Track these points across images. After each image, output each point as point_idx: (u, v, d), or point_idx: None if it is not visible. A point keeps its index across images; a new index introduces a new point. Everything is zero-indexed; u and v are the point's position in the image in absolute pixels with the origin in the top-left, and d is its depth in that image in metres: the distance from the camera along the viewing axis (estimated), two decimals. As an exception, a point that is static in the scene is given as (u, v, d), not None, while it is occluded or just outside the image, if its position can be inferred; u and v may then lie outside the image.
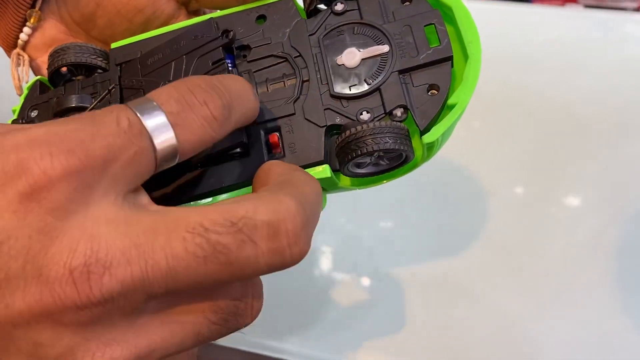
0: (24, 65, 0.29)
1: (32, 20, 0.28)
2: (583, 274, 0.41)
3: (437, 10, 0.25)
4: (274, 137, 0.23)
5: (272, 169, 0.20)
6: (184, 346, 0.17)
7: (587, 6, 1.14)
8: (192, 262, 0.15)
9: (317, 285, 0.42)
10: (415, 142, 0.24)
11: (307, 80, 0.24)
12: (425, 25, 0.24)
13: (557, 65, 0.52)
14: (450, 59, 0.24)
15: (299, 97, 0.24)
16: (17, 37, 0.29)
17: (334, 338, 0.39)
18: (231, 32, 0.24)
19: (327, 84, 0.24)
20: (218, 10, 0.28)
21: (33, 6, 0.28)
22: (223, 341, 0.40)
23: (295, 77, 0.25)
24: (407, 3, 0.25)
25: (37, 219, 0.15)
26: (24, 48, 0.29)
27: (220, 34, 0.24)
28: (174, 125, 0.17)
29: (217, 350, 0.40)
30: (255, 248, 0.16)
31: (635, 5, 1.14)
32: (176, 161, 0.17)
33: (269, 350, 0.39)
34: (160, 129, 0.17)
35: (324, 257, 0.43)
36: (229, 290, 0.17)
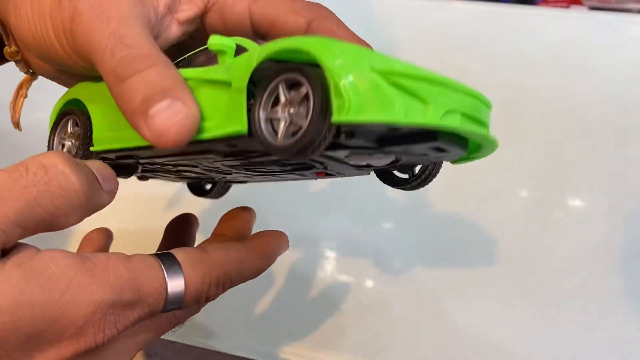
0: (19, 99, 0.30)
1: (11, 57, 0.27)
2: (589, 279, 0.40)
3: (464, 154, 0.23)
4: (322, 174, 0.27)
5: (267, 236, 0.27)
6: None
7: (592, 8, 1.14)
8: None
9: (321, 290, 0.42)
10: None
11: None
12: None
13: (562, 67, 0.51)
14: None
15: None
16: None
17: (339, 342, 0.39)
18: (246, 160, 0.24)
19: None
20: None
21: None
22: (227, 349, 0.40)
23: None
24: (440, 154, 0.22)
25: None
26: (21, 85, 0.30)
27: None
28: (183, 303, 0.23)
29: (221, 358, 0.40)
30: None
31: (639, 7, 1.13)
32: None
33: (269, 358, 0.39)
34: (172, 305, 0.23)
35: (328, 262, 0.43)
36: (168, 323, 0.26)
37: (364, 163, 0.23)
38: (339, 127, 0.18)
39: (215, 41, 0.21)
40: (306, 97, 0.18)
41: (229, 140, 0.21)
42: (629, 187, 0.44)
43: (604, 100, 0.49)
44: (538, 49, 0.53)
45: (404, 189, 0.27)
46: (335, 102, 0.17)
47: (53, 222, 0.21)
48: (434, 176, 0.26)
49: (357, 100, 0.17)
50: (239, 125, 0.20)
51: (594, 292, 0.40)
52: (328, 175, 0.27)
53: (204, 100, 0.21)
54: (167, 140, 0.20)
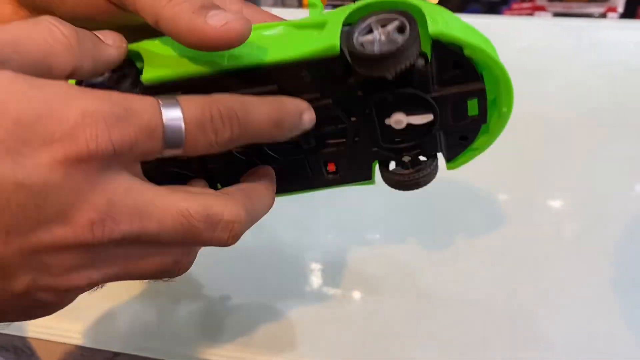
0: None
1: None
2: (568, 277, 0.41)
3: (483, 89, 0.26)
4: (332, 165, 0.29)
5: (255, 174, 0.28)
6: (131, 278, 0.23)
7: (556, 14, 1.17)
8: (172, 231, 0.22)
9: (307, 302, 0.42)
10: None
11: (358, 131, 0.28)
12: (470, 99, 0.26)
13: (530, 73, 0.53)
14: (483, 123, 0.28)
15: (351, 144, 0.28)
16: None
17: (326, 352, 0.39)
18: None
19: (375, 138, 0.28)
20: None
21: None
22: (217, 357, 0.40)
23: (347, 134, 0.28)
24: (457, 72, 0.25)
25: (76, 183, 0.19)
26: None
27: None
28: (185, 142, 0.22)
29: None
30: (212, 233, 0.23)
31: (601, 10, 1.17)
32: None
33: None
34: (175, 142, 0.22)
35: (313, 274, 0.43)
36: (175, 255, 0.24)
37: (405, 123, 0.27)
38: (424, 54, 0.24)
39: None
40: (399, 28, 0.24)
41: (316, 64, 0.24)
42: (600, 186, 0.46)
43: (572, 103, 0.51)
44: (506, 56, 0.54)
45: (405, 184, 0.29)
46: (430, 20, 0.24)
47: (46, 61, 0.21)
48: (432, 175, 0.29)
49: (446, 23, 0.24)
50: (332, 41, 0.24)
51: (572, 289, 0.40)
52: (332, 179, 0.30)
53: (295, 40, 0.25)
54: (233, 29, 0.23)
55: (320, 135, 0.28)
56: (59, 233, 0.20)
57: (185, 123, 0.21)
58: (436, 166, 0.29)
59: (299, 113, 0.25)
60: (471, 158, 0.29)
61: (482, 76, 0.26)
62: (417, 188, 0.29)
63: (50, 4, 0.27)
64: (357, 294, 0.42)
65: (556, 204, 0.46)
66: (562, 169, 0.47)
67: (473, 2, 1.20)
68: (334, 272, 0.43)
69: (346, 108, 0.27)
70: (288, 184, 0.30)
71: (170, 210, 0.21)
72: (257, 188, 0.26)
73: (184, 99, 0.22)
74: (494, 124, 0.28)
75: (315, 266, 0.44)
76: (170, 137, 0.21)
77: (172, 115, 0.21)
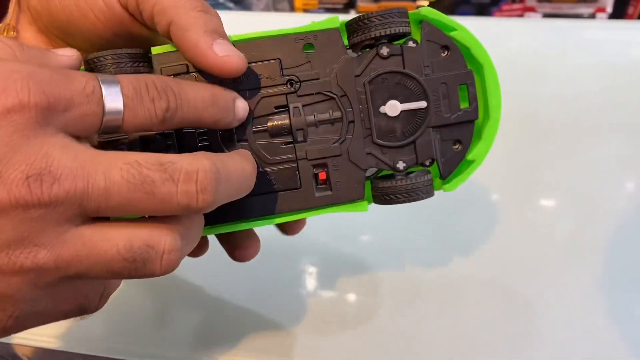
0: None
1: (4, 33, 0.29)
2: (561, 275, 0.42)
3: (470, 72, 0.28)
4: (323, 174, 0.28)
5: (233, 152, 0.25)
6: (95, 272, 0.20)
7: (546, 15, 1.18)
8: (124, 187, 0.20)
9: (305, 305, 0.42)
10: (436, 181, 0.29)
11: (352, 122, 0.28)
12: (459, 85, 0.28)
13: (520, 73, 0.53)
14: (475, 120, 0.28)
15: (345, 140, 0.28)
16: None
17: (324, 355, 0.39)
18: (297, 83, 0.27)
19: (370, 129, 0.28)
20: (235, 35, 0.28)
21: None
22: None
23: (342, 119, 0.28)
24: (445, 53, 0.28)
25: (6, 135, 0.18)
26: None
27: (285, 82, 0.27)
28: (124, 107, 0.21)
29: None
30: (173, 186, 0.20)
31: (590, 11, 1.18)
32: (118, 132, 0.22)
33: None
34: (114, 106, 0.21)
35: (309, 277, 0.43)
36: (144, 233, 0.21)
37: (399, 110, 0.27)
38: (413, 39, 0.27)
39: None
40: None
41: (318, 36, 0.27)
42: (591, 185, 0.46)
43: (562, 103, 0.51)
44: (496, 57, 0.54)
45: (395, 198, 0.28)
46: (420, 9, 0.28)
47: None
48: (424, 191, 0.28)
49: (431, 10, 0.28)
50: (334, 23, 0.27)
51: (565, 287, 0.41)
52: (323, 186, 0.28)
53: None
54: (230, 62, 0.24)
55: (314, 124, 0.28)
56: None
57: (123, 87, 0.21)
58: (429, 183, 0.28)
59: (232, 97, 0.25)
60: (467, 175, 0.29)
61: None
62: (406, 199, 0.28)
63: (70, 24, 0.28)
64: (352, 296, 0.42)
65: (548, 203, 0.46)
66: (553, 168, 0.47)
67: (463, 4, 1.21)
68: (329, 275, 0.43)
69: (342, 93, 0.27)
70: (276, 204, 0.28)
71: (117, 162, 0.20)
72: (228, 154, 0.24)
73: (118, 75, 0.22)
74: (486, 126, 0.28)
75: (311, 269, 0.44)
76: (108, 100, 0.21)
77: (109, 80, 0.21)
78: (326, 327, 0.40)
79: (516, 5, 1.19)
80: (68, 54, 0.25)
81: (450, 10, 1.20)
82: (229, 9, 1.14)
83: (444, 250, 0.44)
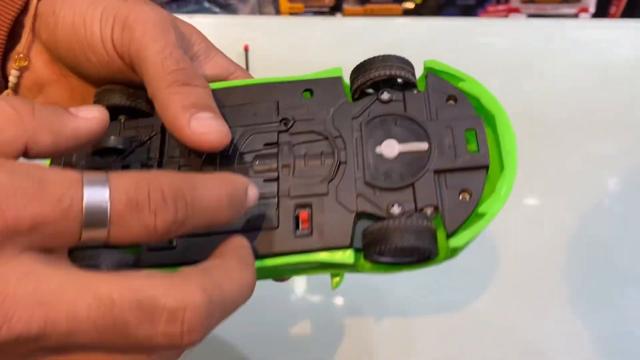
0: None
1: (17, 63, 0.29)
2: (546, 275, 0.42)
3: (479, 117, 0.25)
4: (305, 214, 0.24)
5: (222, 248, 0.22)
6: None
7: (530, 16, 1.19)
8: (90, 327, 0.16)
9: (293, 311, 0.42)
10: (440, 238, 0.24)
11: (344, 163, 0.25)
12: (466, 130, 0.25)
13: (507, 74, 0.54)
14: (486, 167, 0.24)
15: (333, 178, 0.25)
16: None
17: (317, 362, 0.39)
18: (290, 122, 0.26)
19: (363, 170, 0.25)
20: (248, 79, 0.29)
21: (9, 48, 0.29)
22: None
23: (333, 158, 0.25)
24: (452, 102, 0.25)
25: None
26: (15, 90, 0.30)
27: (279, 120, 0.26)
28: (111, 223, 0.17)
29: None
30: (152, 328, 0.17)
31: (573, 11, 1.19)
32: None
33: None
34: (96, 223, 0.17)
35: (298, 282, 0.43)
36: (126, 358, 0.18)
37: (397, 151, 0.25)
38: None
39: None
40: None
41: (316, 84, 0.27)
42: (581, 186, 0.47)
43: (547, 103, 0.52)
44: (483, 58, 0.55)
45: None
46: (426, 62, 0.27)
47: None
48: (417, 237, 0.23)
49: (439, 63, 0.27)
50: (337, 73, 0.27)
51: (547, 284, 0.41)
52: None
53: None
54: (206, 140, 0.23)
55: (302, 161, 0.25)
56: None
57: (113, 199, 0.17)
58: (429, 230, 0.23)
59: (244, 188, 0.21)
60: (477, 230, 0.23)
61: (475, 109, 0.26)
62: (400, 245, 0.22)
63: (78, 62, 0.28)
64: (340, 300, 0.42)
65: (535, 202, 0.46)
66: (542, 168, 0.47)
67: (449, 6, 1.22)
68: (319, 280, 0.43)
69: (336, 134, 0.26)
70: (251, 244, 0.23)
71: (85, 297, 0.16)
72: (223, 264, 0.20)
73: (117, 173, 0.18)
74: (502, 178, 0.24)
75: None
76: (90, 215, 0.17)
77: (96, 189, 0.17)
78: (315, 332, 0.40)
79: (501, 7, 1.20)
80: (90, 116, 0.22)
81: (436, 12, 1.20)
82: (215, 13, 1.13)
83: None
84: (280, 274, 0.27)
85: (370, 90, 0.26)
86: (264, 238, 0.24)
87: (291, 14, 1.21)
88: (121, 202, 0.18)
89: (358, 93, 0.26)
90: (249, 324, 0.41)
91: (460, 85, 0.26)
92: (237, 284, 0.20)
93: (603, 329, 0.39)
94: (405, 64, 0.26)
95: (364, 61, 0.26)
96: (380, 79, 0.26)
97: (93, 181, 0.18)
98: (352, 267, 0.24)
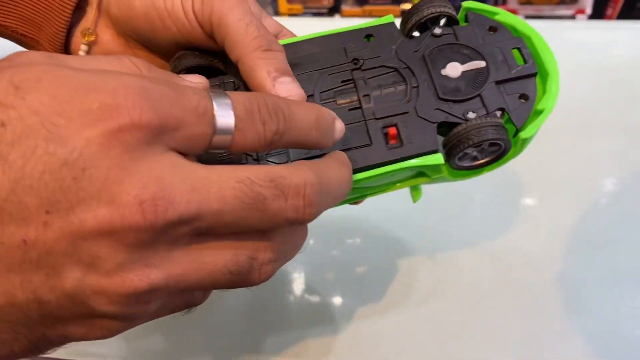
0: None
1: (85, 37, 0.31)
2: (543, 274, 0.42)
3: (519, 37, 0.30)
4: (393, 130, 0.28)
5: (329, 156, 0.25)
6: (202, 285, 0.21)
7: (527, 17, 1.19)
8: (237, 206, 0.20)
9: (292, 310, 0.42)
10: (510, 134, 0.29)
11: (416, 87, 0.29)
12: (512, 48, 0.30)
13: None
14: (535, 74, 0.29)
15: (410, 100, 0.29)
16: (63, 44, 0.31)
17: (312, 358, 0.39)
18: (360, 61, 0.30)
19: (435, 89, 0.29)
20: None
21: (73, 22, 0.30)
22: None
23: (405, 84, 0.29)
24: (492, 32, 0.30)
25: (117, 156, 0.18)
26: None
27: (350, 61, 0.30)
28: (235, 128, 0.21)
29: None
30: (284, 202, 0.20)
31: (570, 13, 1.19)
32: (224, 150, 0.21)
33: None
34: (225, 128, 0.21)
35: (296, 281, 0.43)
36: (248, 248, 0.21)
37: (460, 71, 0.29)
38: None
39: None
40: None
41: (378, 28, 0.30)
42: (579, 186, 0.47)
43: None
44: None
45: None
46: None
47: None
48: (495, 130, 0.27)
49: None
50: (390, 19, 0.31)
51: (546, 286, 0.41)
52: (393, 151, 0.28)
53: None
54: None
55: (378, 91, 0.29)
56: (103, 213, 0.18)
57: (235, 108, 0.21)
58: (502, 124, 0.27)
59: (332, 118, 0.25)
60: (541, 121, 0.29)
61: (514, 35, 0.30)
62: (477, 138, 0.27)
63: (155, 32, 0.29)
64: (338, 300, 0.42)
65: (533, 202, 0.47)
66: (536, 166, 0.48)
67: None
68: (316, 279, 0.43)
69: (403, 65, 0.29)
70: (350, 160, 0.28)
71: (229, 180, 0.20)
72: (324, 161, 0.24)
73: (231, 92, 0.22)
74: (549, 80, 0.30)
75: (297, 274, 0.44)
76: (220, 122, 0.20)
77: (222, 100, 0.21)
78: (313, 330, 0.40)
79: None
80: (196, 81, 0.25)
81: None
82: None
83: (430, 253, 0.44)
84: (372, 189, 0.31)
85: (417, 33, 0.31)
86: (361, 154, 0.28)
87: (290, 15, 1.22)
88: (242, 111, 0.21)
89: (412, 32, 0.31)
90: (249, 323, 0.41)
91: (496, 17, 0.31)
92: (337, 176, 0.24)
93: (600, 328, 0.39)
94: (448, 2, 0.31)
95: (414, 5, 0.31)
96: (432, 15, 0.30)
97: (217, 94, 0.21)
98: (439, 172, 0.29)
